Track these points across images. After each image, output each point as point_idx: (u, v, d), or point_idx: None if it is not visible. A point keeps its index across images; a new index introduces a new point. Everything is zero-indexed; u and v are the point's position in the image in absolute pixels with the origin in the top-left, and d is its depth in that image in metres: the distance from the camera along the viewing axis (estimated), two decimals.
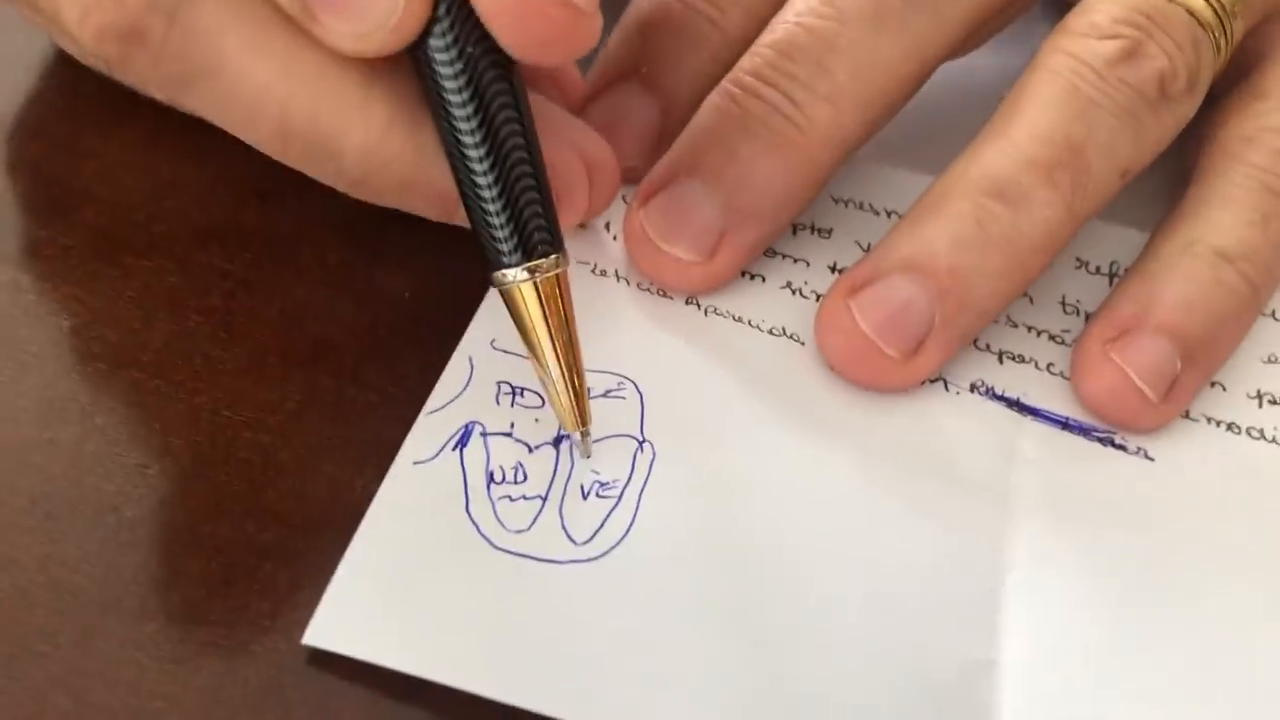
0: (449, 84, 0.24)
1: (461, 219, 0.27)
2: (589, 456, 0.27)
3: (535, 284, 0.25)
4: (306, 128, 0.25)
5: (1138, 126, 0.28)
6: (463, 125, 0.24)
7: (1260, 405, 0.30)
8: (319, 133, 0.25)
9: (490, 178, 0.24)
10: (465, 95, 0.24)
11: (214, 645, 0.24)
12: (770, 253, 0.31)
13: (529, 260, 0.25)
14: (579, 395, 0.26)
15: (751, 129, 0.29)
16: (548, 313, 0.25)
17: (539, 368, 0.26)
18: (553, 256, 0.25)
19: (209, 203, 0.32)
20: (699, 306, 0.30)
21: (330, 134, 0.25)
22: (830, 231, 0.32)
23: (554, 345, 0.25)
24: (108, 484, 0.26)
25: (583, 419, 0.26)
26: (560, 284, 0.25)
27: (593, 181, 0.28)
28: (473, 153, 0.24)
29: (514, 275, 0.25)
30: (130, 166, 0.32)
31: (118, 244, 0.30)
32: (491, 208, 0.25)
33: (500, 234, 0.25)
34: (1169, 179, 0.32)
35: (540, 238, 0.25)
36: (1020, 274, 0.28)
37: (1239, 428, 0.30)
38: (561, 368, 0.26)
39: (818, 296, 0.31)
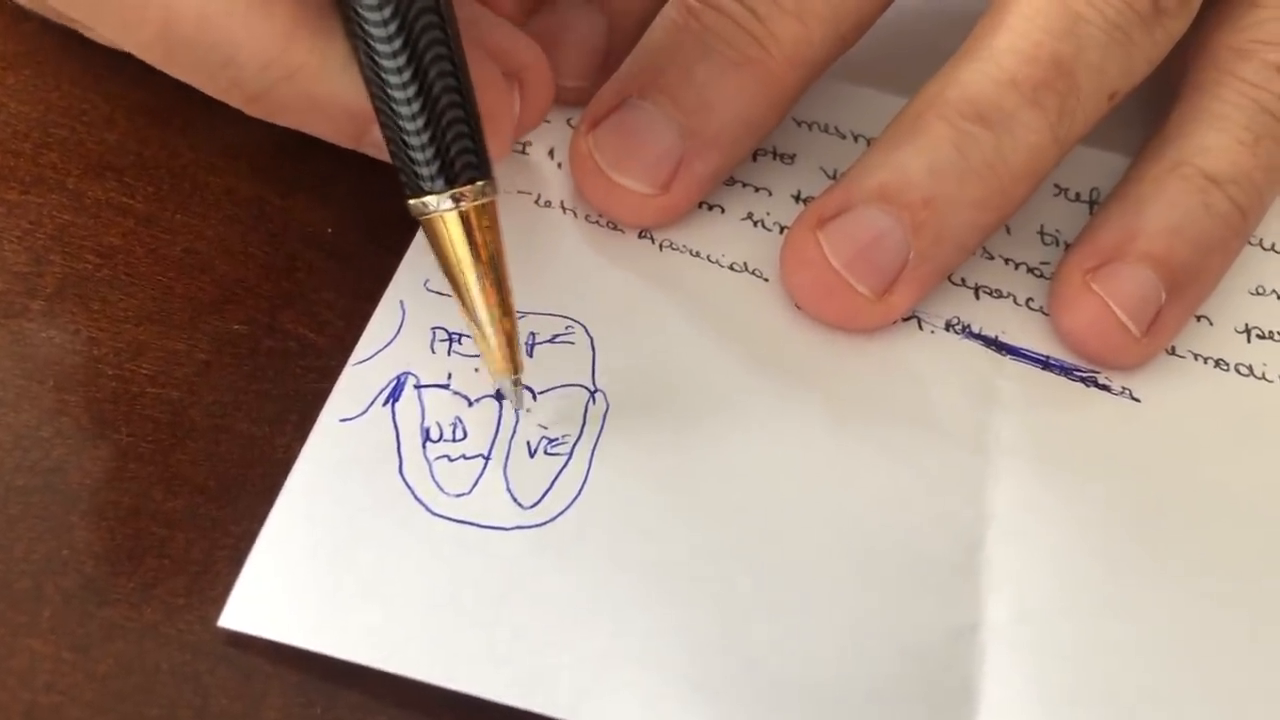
0: None
1: (371, 146, 0.25)
2: (522, 408, 0.25)
3: (460, 213, 0.23)
4: (194, 32, 0.22)
5: (1129, 44, 0.27)
6: (378, 31, 0.22)
7: (1249, 340, 0.29)
8: (209, 39, 0.22)
9: (410, 91, 0.22)
10: None
11: (119, 628, 0.23)
12: (730, 181, 0.30)
13: (453, 187, 0.23)
14: (510, 338, 0.24)
15: (710, 46, 0.27)
16: (475, 246, 0.23)
17: (465, 309, 0.24)
18: (480, 184, 0.23)
19: (105, 130, 0.29)
20: (653, 241, 0.29)
21: (222, 41, 0.23)
22: (794, 157, 0.31)
23: (481, 283, 0.24)
24: None
25: (514, 364, 0.24)
26: (489, 215, 0.23)
27: (524, 92, 0.27)
28: (390, 63, 0.22)
29: (436, 203, 0.23)
30: (13, 90, 0.30)
31: (1, 177, 0.28)
32: (411, 126, 0.23)
33: (421, 156, 0.23)
34: (1154, 97, 0.30)
35: (466, 161, 0.23)
36: (1001, 204, 0.27)
37: (1227, 364, 0.29)
38: (490, 308, 0.24)
39: (781, 228, 0.29)
